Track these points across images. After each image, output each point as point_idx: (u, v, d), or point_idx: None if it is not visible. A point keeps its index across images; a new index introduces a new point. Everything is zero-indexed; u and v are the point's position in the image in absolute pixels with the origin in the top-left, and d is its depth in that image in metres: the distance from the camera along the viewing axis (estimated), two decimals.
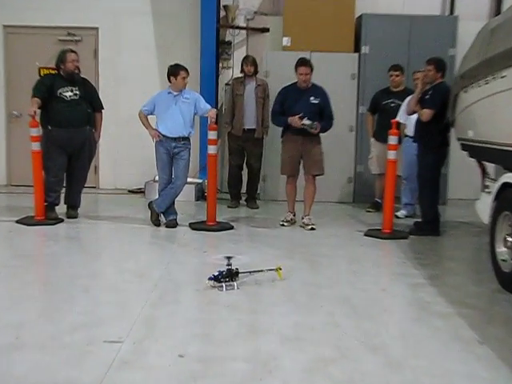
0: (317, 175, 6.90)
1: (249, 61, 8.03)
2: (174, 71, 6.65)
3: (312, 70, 6.73)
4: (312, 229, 6.78)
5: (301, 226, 6.90)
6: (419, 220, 6.88)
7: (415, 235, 6.57)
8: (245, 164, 8.28)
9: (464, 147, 5.97)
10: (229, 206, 8.15)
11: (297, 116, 6.60)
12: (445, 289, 4.74)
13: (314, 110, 6.69)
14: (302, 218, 6.93)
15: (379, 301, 4.55)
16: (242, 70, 8.09)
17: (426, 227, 6.65)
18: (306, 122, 6.58)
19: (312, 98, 6.73)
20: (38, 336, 3.60)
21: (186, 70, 6.69)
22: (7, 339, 3.52)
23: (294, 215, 7.01)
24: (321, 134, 6.81)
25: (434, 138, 6.48)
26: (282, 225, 6.90)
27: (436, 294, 4.60)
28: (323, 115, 6.77)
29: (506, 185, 4.85)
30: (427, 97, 6.47)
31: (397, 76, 7.74)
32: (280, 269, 4.81)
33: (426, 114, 6.41)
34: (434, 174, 6.57)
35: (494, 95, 4.92)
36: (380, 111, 7.89)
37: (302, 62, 6.74)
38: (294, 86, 6.86)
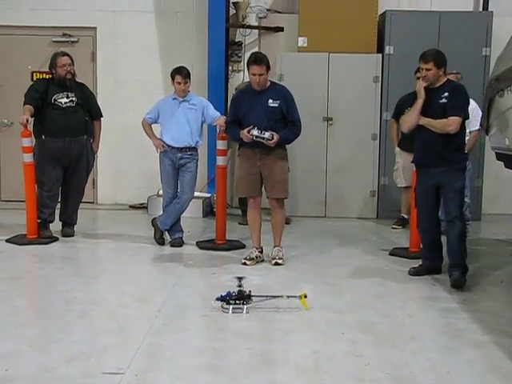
0: (279, 199, 6.20)
1: None
2: (172, 75, 6.68)
3: (268, 69, 6.00)
4: (277, 264, 6.07)
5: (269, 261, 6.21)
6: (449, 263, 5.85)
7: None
8: None
9: (499, 157, 5.94)
10: (240, 223, 8.13)
11: (246, 129, 5.94)
12: (480, 315, 4.72)
13: (273, 116, 6.01)
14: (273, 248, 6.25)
15: (406, 328, 4.53)
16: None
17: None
18: (255, 132, 5.89)
19: (270, 101, 6.02)
20: (30, 368, 3.61)
21: (184, 74, 6.60)
22: None
23: (261, 251, 6.26)
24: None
25: (460, 154, 5.86)
26: (244, 263, 6.06)
27: (470, 321, 4.58)
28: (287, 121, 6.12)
29: None
30: (443, 101, 5.73)
31: None
32: (305, 296, 4.72)
33: (456, 122, 5.67)
34: (463, 199, 5.90)
35: None
36: None
37: (256, 60, 5.95)
38: (249, 88, 6.23)
